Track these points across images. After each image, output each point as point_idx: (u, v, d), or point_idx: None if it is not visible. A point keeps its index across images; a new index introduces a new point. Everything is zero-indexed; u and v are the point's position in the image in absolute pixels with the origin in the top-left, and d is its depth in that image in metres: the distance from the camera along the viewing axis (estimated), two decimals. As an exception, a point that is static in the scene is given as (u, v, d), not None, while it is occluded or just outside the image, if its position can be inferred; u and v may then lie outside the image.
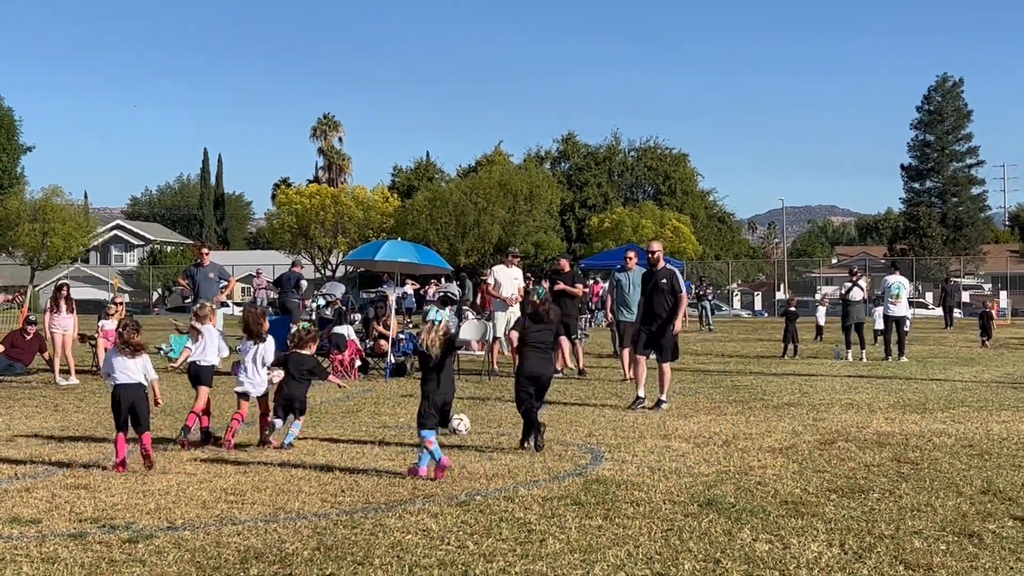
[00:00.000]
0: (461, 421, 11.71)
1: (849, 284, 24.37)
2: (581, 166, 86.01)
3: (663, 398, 14.53)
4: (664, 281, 14.76)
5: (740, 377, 19.16)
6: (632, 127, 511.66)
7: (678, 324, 14.70)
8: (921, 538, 7.04)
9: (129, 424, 9.72)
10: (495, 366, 19.58)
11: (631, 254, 18.64)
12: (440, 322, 10.16)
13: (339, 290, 24.96)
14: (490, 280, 20.05)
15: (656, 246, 15.37)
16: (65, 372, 18.40)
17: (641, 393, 14.64)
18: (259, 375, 11.30)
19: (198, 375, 11.37)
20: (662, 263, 15.08)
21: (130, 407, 9.70)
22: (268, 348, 11.38)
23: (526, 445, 10.76)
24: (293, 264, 27.46)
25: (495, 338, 19.53)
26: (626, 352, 17.99)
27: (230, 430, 10.89)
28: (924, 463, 9.87)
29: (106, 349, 19.48)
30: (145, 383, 9.89)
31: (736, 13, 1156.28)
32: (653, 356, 14.78)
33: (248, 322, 11.50)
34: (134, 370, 9.82)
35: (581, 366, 19.58)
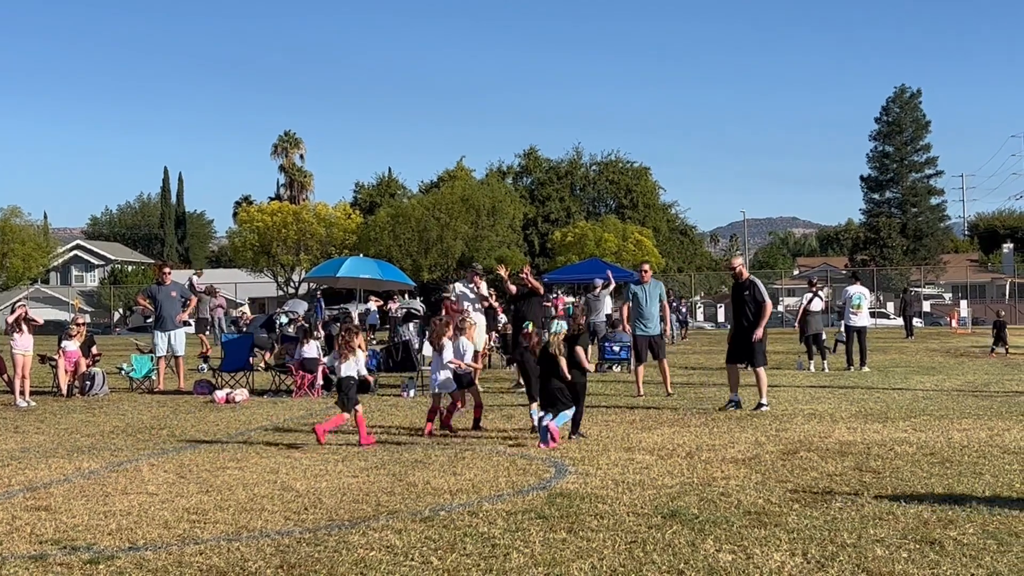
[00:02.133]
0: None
1: (810, 295, 24.51)
2: (543, 180, 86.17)
3: (763, 401, 15.31)
4: (747, 293, 15.54)
5: (704, 389, 19.21)
6: (593, 141, 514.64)
7: (759, 331, 15.40)
8: (883, 546, 7.08)
9: (349, 404, 12.37)
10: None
11: (646, 267, 19.03)
12: (560, 331, 12.36)
13: (301, 308, 24.98)
14: (452, 296, 20.27)
15: (738, 262, 16.12)
16: (22, 393, 18.18)
17: (736, 396, 15.46)
18: (449, 373, 13.42)
19: (460, 380, 13.54)
20: (746, 274, 15.82)
21: (344, 392, 12.41)
22: (460, 346, 13.61)
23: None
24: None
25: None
26: (642, 367, 18.05)
27: (448, 415, 13.35)
28: (886, 472, 9.93)
29: (66, 370, 19.39)
30: (356, 376, 12.59)
31: (696, 28, 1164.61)
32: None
33: (434, 331, 13.71)
34: (350, 366, 12.58)
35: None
